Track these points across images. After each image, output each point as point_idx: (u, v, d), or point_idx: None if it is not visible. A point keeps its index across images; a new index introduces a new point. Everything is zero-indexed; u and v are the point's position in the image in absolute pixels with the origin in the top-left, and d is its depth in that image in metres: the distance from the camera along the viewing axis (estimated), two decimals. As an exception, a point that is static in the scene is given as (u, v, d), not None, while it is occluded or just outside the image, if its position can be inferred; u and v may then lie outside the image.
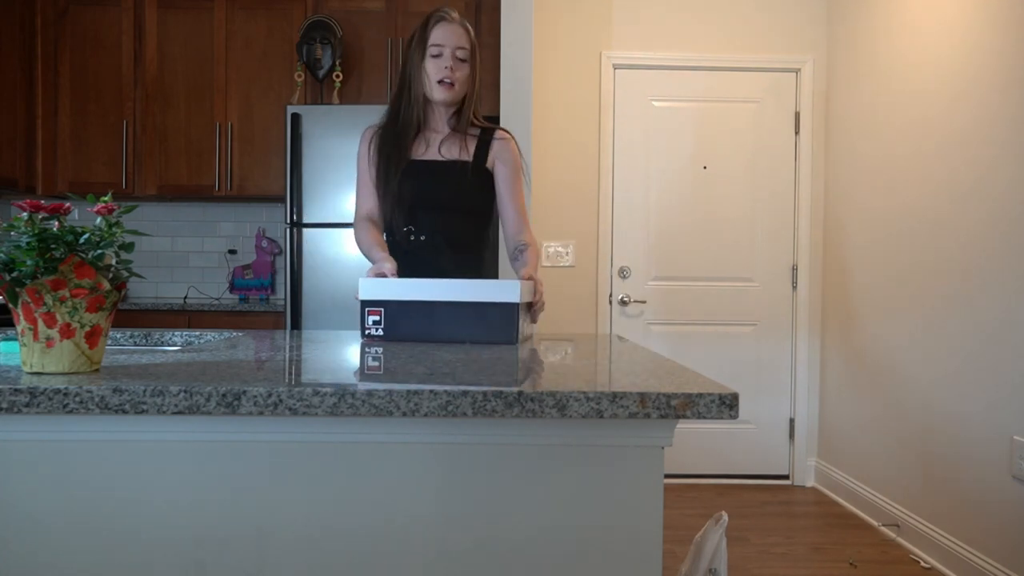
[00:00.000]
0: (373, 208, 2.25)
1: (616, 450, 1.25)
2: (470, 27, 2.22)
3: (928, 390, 3.33)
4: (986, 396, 2.95)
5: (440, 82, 2.15)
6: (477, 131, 2.25)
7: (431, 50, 2.15)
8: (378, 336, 1.83)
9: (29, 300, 1.22)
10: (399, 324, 1.83)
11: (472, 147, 2.23)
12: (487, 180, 2.25)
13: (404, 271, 2.05)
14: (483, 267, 2.31)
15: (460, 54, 2.16)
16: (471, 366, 1.41)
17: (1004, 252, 2.87)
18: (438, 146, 2.22)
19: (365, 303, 1.83)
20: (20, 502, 1.24)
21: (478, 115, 2.29)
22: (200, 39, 4.07)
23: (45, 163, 4.06)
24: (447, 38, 2.15)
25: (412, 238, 2.19)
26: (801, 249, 4.40)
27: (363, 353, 1.65)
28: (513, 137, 2.30)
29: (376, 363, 1.50)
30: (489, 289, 1.80)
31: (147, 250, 4.38)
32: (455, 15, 2.20)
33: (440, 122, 2.24)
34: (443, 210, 2.21)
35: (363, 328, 1.84)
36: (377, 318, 1.83)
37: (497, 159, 2.26)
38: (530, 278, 1.99)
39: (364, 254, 2.18)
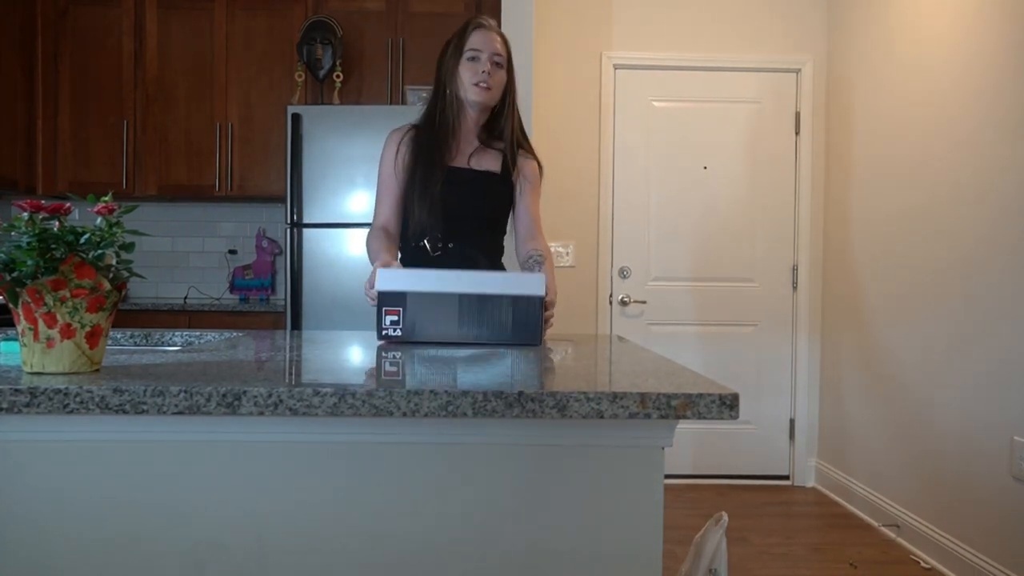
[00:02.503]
0: (390, 218, 2.22)
1: (616, 450, 1.25)
2: (507, 38, 2.23)
3: (928, 390, 3.33)
4: (986, 396, 2.95)
5: (476, 84, 2.15)
6: (502, 145, 2.25)
7: (467, 54, 2.16)
8: (396, 337, 1.73)
9: (29, 300, 1.22)
10: (419, 323, 1.72)
11: (498, 162, 2.24)
12: (511, 193, 2.26)
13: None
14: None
15: (497, 59, 2.17)
16: (472, 366, 1.41)
17: (1004, 252, 2.87)
18: (468, 157, 2.22)
19: (383, 300, 1.73)
20: (20, 502, 1.24)
21: (524, 130, 2.28)
22: (200, 39, 4.07)
23: (45, 163, 4.06)
24: (485, 44, 2.17)
25: (440, 245, 2.17)
26: (802, 249, 4.40)
27: (365, 353, 1.65)
28: (537, 158, 2.31)
29: (377, 363, 1.50)
30: (513, 281, 1.74)
31: (147, 250, 4.38)
32: (493, 23, 2.22)
33: (471, 132, 2.24)
34: (475, 220, 2.21)
35: (379, 328, 1.75)
36: (395, 318, 1.72)
37: (520, 172, 2.26)
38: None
39: (371, 258, 2.15)
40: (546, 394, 1.14)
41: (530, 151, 2.30)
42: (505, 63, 2.20)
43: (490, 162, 2.23)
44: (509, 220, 2.32)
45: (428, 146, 2.18)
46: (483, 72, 2.15)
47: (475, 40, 2.17)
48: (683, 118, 4.39)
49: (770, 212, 4.41)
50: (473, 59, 2.16)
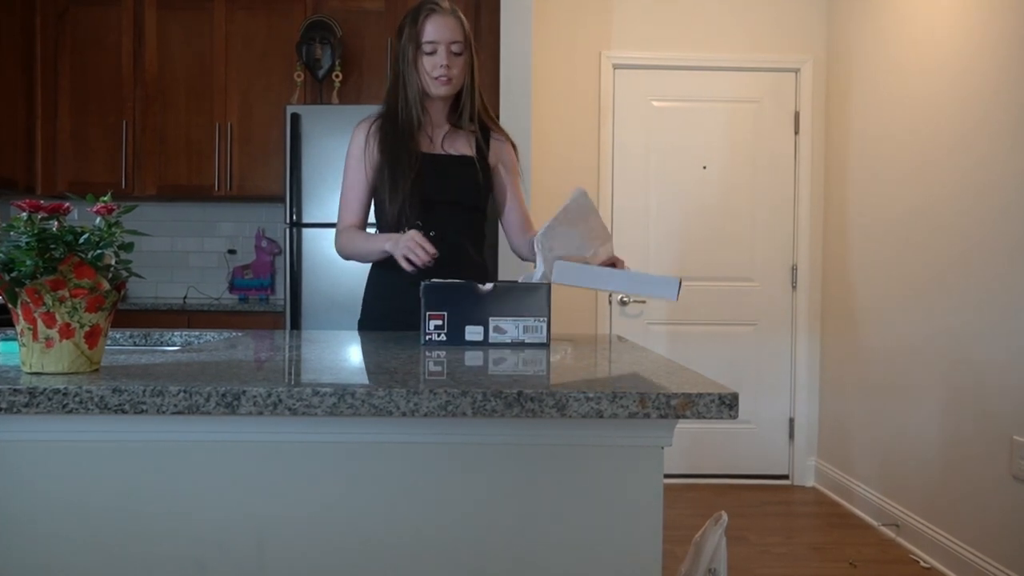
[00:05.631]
0: (358, 219, 2.20)
1: (616, 450, 1.25)
2: (462, 15, 2.14)
3: (928, 389, 3.33)
4: (986, 396, 2.95)
5: (437, 79, 2.10)
6: (474, 126, 2.21)
7: (425, 47, 2.08)
8: (440, 342, 1.73)
9: (28, 300, 1.22)
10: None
11: (473, 143, 2.20)
12: (489, 177, 2.23)
13: (419, 276, 1.96)
14: (487, 263, 2.29)
15: (455, 48, 2.09)
16: (471, 366, 1.41)
17: (1004, 251, 2.87)
18: (440, 141, 2.18)
19: (429, 308, 1.73)
20: (20, 502, 1.24)
21: (488, 110, 2.25)
22: (200, 39, 4.07)
23: (45, 163, 4.06)
24: (440, 33, 2.08)
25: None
26: (801, 249, 4.40)
27: (364, 353, 1.65)
28: (511, 140, 2.28)
29: (376, 363, 1.50)
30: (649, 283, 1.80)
31: (147, 250, 4.38)
32: (446, 4, 2.12)
33: (440, 115, 2.19)
34: (454, 206, 2.16)
35: (423, 333, 1.74)
36: (440, 323, 1.73)
37: (499, 160, 2.25)
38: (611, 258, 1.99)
39: (359, 249, 2.12)
40: (546, 394, 1.14)
41: (501, 132, 2.26)
42: (464, 47, 2.12)
43: (463, 144, 2.20)
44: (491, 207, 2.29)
45: (395, 136, 2.13)
46: (442, 66, 2.08)
47: (430, 31, 2.08)
48: (682, 118, 4.39)
49: (769, 212, 4.42)
50: (431, 53, 2.08)
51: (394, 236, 2.00)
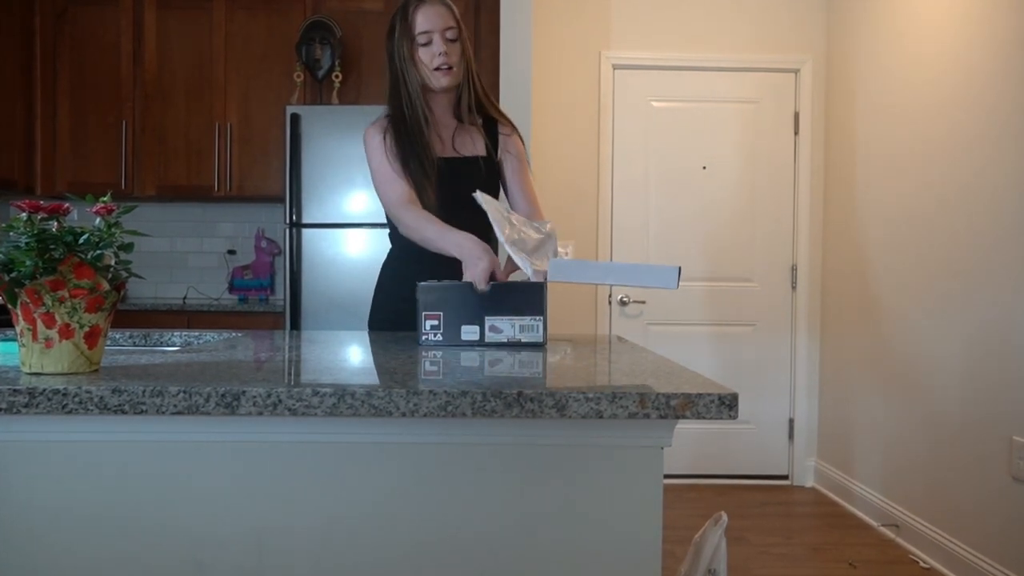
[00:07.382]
0: (411, 192, 2.06)
1: (616, 450, 1.25)
2: (450, 2, 2.12)
3: (928, 390, 3.33)
4: (986, 396, 2.95)
5: (437, 69, 2.07)
6: (480, 120, 2.19)
7: (419, 39, 2.07)
8: (437, 343, 1.72)
9: (28, 301, 1.22)
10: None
11: (481, 140, 2.18)
12: (499, 174, 2.21)
13: (441, 274, 1.90)
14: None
15: (449, 35, 2.07)
16: (471, 366, 1.41)
17: (1003, 252, 2.87)
18: (451, 141, 2.15)
19: (425, 308, 1.71)
20: (20, 502, 1.23)
21: (489, 96, 2.21)
22: (199, 39, 4.07)
23: (44, 163, 4.06)
24: (433, 22, 2.06)
25: None
26: (800, 249, 4.40)
27: (364, 353, 1.65)
28: (517, 131, 2.25)
29: (376, 363, 1.50)
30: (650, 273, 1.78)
31: (146, 250, 4.37)
32: None
33: (445, 113, 2.17)
34: (474, 209, 2.07)
35: (419, 333, 1.72)
36: (436, 323, 1.72)
37: (505, 151, 2.21)
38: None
39: (427, 237, 1.97)
40: (545, 394, 1.14)
41: (507, 123, 2.23)
42: (457, 33, 2.09)
43: (473, 142, 2.17)
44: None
45: (410, 145, 2.08)
46: (441, 55, 2.06)
47: (422, 21, 2.07)
48: (682, 118, 4.39)
49: (769, 212, 4.42)
50: (426, 43, 2.07)
51: (465, 245, 1.87)
